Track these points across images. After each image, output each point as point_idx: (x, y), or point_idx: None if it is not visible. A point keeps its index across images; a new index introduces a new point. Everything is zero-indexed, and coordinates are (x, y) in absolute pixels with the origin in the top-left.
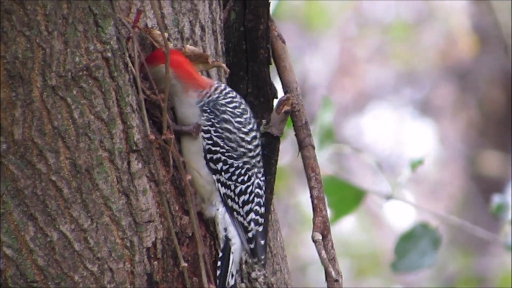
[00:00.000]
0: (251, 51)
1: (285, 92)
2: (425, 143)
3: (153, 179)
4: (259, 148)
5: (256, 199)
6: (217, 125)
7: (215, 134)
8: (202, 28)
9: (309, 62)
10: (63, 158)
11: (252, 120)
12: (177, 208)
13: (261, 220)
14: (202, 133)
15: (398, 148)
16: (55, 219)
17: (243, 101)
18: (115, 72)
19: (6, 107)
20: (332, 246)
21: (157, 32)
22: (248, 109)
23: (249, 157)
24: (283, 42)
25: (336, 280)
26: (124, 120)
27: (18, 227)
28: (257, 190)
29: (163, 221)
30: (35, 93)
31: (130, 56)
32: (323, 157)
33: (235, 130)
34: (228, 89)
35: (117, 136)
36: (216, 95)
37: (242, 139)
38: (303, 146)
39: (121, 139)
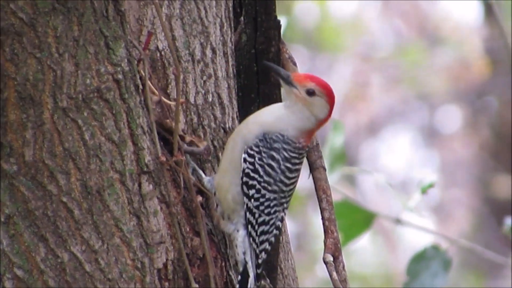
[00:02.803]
0: (262, 74)
1: None
2: (437, 166)
3: (164, 200)
4: (293, 190)
5: (274, 231)
6: (264, 155)
7: (259, 162)
8: (213, 51)
9: None
10: (74, 179)
11: (299, 172)
12: (188, 229)
13: (269, 249)
14: (246, 155)
15: (411, 171)
16: (66, 240)
17: (302, 158)
18: (126, 94)
19: (17, 128)
20: (343, 268)
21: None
22: (301, 167)
23: (281, 196)
24: (294, 64)
25: None
26: (135, 142)
27: (29, 248)
28: (278, 223)
29: (174, 243)
30: (46, 115)
31: (141, 78)
32: (334, 180)
33: (278, 170)
34: (303, 154)
35: (128, 158)
36: (287, 138)
37: (281, 181)
38: (315, 168)
39: (132, 161)
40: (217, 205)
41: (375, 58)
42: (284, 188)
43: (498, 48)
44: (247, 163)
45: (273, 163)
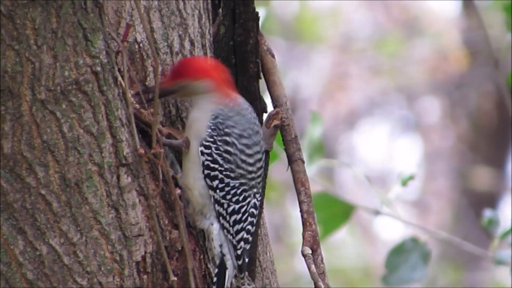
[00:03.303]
0: (240, 66)
1: (275, 107)
2: (416, 157)
3: (143, 193)
4: (262, 169)
5: (249, 219)
6: (219, 143)
7: (216, 151)
8: (192, 43)
9: (300, 76)
10: (52, 172)
11: (261, 143)
12: (166, 222)
13: (250, 238)
14: (202, 148)
15: (389, 163)
16: (44, 233)
17: (257, 121)
18: (104, 86)
19: None
20: (322, 260)
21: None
22: (260, 132)
23: (248, 178)
24: (273, 56)
25: None
26: (114, 134)
27: (7, 241)
28: (252, 209)
29: (153, 235)
30: (24, 107)
31: (119, 70)
32: (312, 172)
33: (236, 152)
34: (247, 107)
35: (106, 150)
36: (229, 110)
37: (243, 161)
38: (293, 160)
39: (111, 153)
40: (188, 203)
41: (354, 50)
42: (250, 168)
43: (476, 40)
44: (205, 155)
45: (229, 148)
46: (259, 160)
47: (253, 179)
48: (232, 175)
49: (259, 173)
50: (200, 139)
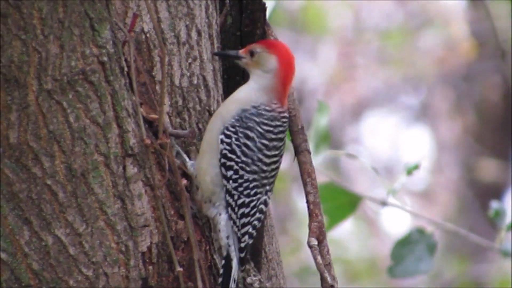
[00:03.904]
0: None
1: None
2: (423, 148)
3: (149, 183)
4: (276, 171)
5: (257, 214)
6: (240, 134)
7: (236, 142)
8: (199, 33)
9: (307, 67)
10: (59, 162)
11: (281, 151)
12: (172, 212)
13: (255, 234)
14: (223, 136)
15: (396, 154)
16: (50, 223)
17: (285, 135)
18: (111, 76)
19: (2, 110)
20: (327, 252)
21: None
22: (284, 143)
23: (261, 177)
24: None
25: (332, 286)
26: (120, 125)
27: (13, 231)
28: (261, 206)
29: (158, 226)
30: (31, 97)
31: (126, 60)
32: (319, 162)
33: (254, 149)
34: (285, 119)
35: (112, 141)
36: (265, 111)
37: (260, 159)
38: (299, 151)
39: (117, 144)
40: (197, 188)
41: (361, 40)
42: (264, 168)
43: (484, 31)
44: (224, 144)
45: (248, 142)
46: (275, 162)
47: (266, 178)
48: (247, 168)
49: (272, 174)
50: (224, 123)
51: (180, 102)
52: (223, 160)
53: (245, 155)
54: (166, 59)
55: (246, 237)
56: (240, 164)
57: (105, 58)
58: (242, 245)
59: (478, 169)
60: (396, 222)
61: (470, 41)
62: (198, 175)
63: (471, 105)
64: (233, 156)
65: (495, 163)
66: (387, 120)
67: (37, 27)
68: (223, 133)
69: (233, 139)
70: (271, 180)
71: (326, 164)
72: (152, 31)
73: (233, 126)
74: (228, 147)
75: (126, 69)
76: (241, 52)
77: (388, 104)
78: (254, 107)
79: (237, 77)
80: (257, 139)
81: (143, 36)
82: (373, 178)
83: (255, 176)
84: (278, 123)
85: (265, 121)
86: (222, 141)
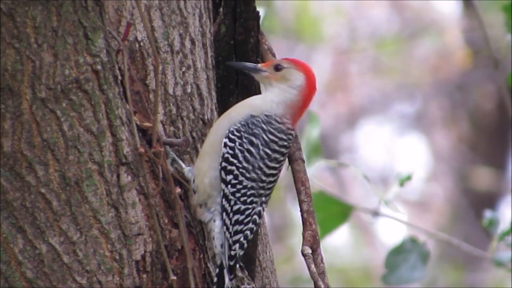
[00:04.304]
0: None
1: None
2: (417, 157)
3: (143, 192)
4: (274, 184)
5: (250, 225)
6: (244, 140)
7: (239, 147)
8: (192, 42)
9: None
10: (52, 170)
11: (281, 165)
12: (166, 221)
13: (246, 245)
14: (227, 140)
15: (391, 162)
16: (44, 231)
17: (287, 151)
18: (104, 85)
19: None
20: (321, 260)
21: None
22: (285, 158)
23: (259, 186)
24: (273, 55)
25: None
26: (114, 133)
27: (7, 240)
28: (255, 217)
29: (152, 234)
30: (25, 106)
31: (120, 69)
32: (310, 173)
33: (257, 156)
34: (291, 138)
35: (106, 149)
36: (275, 124)
37: (260, 168)
38: (293, 160)
39: (111, 152)
40: (194, 192)
41: (355, 49)
42: (263, 178)
43: (478, 39)
44: (227, 147)
45: (252, 149)
46: (274, 175)
47: (263, 188)
48: (247, 175)
49: (269, 186)
50: (230, 126)
51: (174, 111)
52: (224, 164)
53: (247, 161)
54: (160, 67)
55: (237, 245)
56: (240, 170)
57: (99, 67)
58: (232, 253)
59: (473, 178)
60: (391, 231)
61: (465, 49)
62: (196, 177)
63: (465, 113)
64: (235, 161)
65: (489, 172)
66: (381, 128)
67: (30, 35)
68: (228, 137)
69: (237, 143)
70: (268, 192)
71: (320, 174)
72: (145, 39)
73: (238, 131)
74: (231, 151)
75: (120, 77)
76: (262, 65)
77: (383, 113)
78: (266, 115)
79: (231, 85)
80: (261, 147)
81: (137, 45)
82: (367, 187)
83: (254, 184)
84: (284, 137)
85: (272, 131)
86: (225, 145)
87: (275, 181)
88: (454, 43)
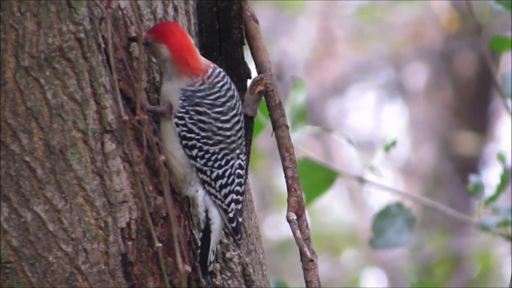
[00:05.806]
0: (224, 32)
1: (259, 72)
2: (401, 123)
3: (127, 159)
4: (242, 131)
5: (236, 180)
6: (192, 113)
7: (190, 121)
8: (175, 9)
9: (286, 43)
10: (37, 139)
11: (238, 105)
12: (151, 188)
13: (241, 198)
14: (176, 119)
15: (376, 129)
16: (29, 199)
17: (232, 86)
18: (88, 53)
19: None
20: (307, 226)
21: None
22: (236, 94)
23: (228, 143)
24: (256, 22)
25: (311, 260)
26: (98, 101)
27: None
28: (238, 170)
29: (137, 202)
30: (8, 74)
31: (103, 37)
32: (295, 139)
33: (210, 120)
34: (218, 76)
35: (90, 117)
36: (206, 85)
37: (220, 128)
38: (277, 126)
39: (95, 120)
40: (171, 174)
41: (340, 16)
42: (228, 133)
43: (461, 5)
44: (180, 126)
45: (202, 117)
46: (237, 122)
47: (233, 142)
48: (210, 142)
49: (239, 135)
50: (174, 110)
51: (158, 78)
52: (184, 142)
53: (203, 130)
54: (143, 35)
55: (233, 205)
56: (202, 140)
57: (82, 35)
58: (231, 215)
59: (457, 143)
60: (377, 197)
61: (449, 15)
62: (166, 162)
63: (449, 80)
64: (193, 135)
65: (473, 137)
66: (367, 95)
67: (13, 4)
68: (176, 117)
69: (186, 118)
70: (240, 141)
71: (307, 141)
72: (128, 7)
73: (182, 107)
74: (184, 128)
75: (103, 45)
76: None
77: (367, 79)
78: (185, 92)
79: (214, 52)
80: (209, 111)
81: (120, 13)
82: (352, 153)
83: (222, 146)
84: (218, 85)
85: (207, 94)
86: (177, 125)
87: (241, 128)
88: (439, 9)
